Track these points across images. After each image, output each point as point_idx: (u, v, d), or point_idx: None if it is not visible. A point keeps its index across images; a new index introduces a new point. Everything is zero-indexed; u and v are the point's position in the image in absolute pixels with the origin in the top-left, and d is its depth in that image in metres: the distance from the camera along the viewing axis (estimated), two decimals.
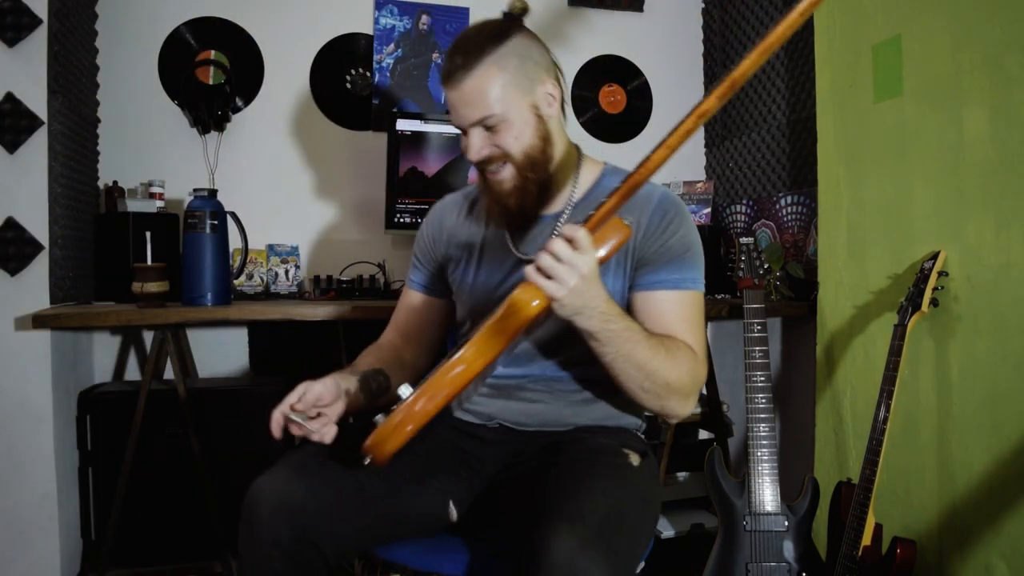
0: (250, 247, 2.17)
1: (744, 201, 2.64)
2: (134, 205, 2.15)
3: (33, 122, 1.86)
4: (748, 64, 1.07)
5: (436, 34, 2.60)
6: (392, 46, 2.57)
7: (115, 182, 2.27)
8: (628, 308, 1.27)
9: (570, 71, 2.76)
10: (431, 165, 2.34)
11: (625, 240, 1.10)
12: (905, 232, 1.81)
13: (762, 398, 1.87)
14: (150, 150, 2.36)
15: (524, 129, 1.25)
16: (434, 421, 1.10)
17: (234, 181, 2.39)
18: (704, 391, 2.40)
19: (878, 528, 1.68)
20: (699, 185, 2.63)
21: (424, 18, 2.58)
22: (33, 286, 1.88)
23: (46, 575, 1.91)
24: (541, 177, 1.29)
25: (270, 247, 2.39)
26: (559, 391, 1.34)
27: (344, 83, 2.55)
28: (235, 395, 2.06)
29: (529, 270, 1.02)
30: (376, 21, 2.55)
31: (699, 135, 2.93)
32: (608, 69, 2.83)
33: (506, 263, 1.37)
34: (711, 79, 2.88)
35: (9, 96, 1.85)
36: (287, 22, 2.49)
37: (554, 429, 1.33)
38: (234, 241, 2.06)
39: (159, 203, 2.20)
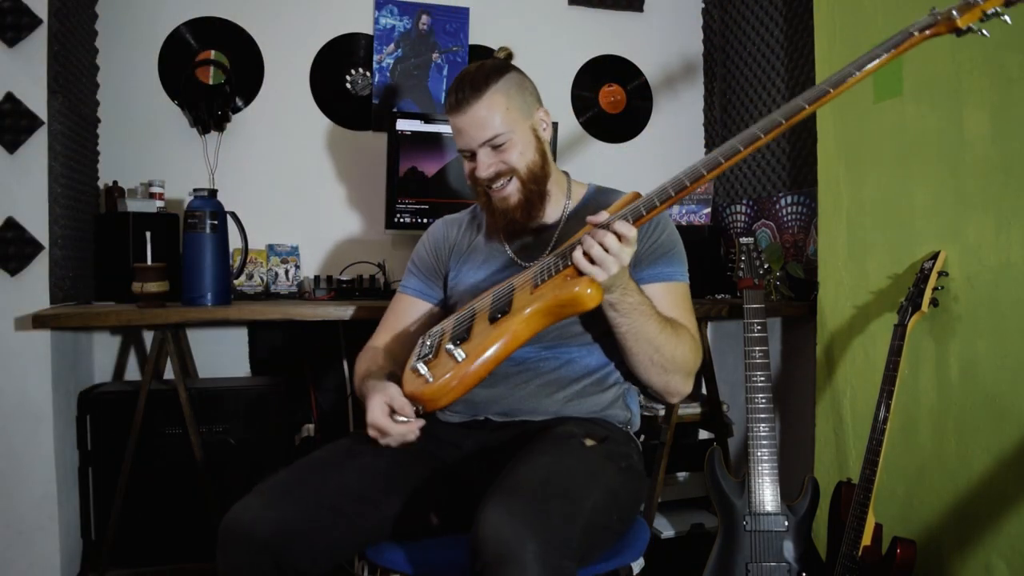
0: (250, 247, 2.17)
1: (744, 201, 2.64)
2: (134, 205, 2.15)
3: (33, 122, 1.86)
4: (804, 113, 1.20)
5: (436, 34, 2.60)
6: (392, 46, 2.57)
7: (115, 182, 2.27)
8: None
9: (570, 71, 2.76)
10: (431, 165, 2.34)
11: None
12: (905, 232, 1.81)
13: (762, 398, 1.87)
14: (150, 150, 2.36)
15: (527, 147, 1.41)
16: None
17: (234, 181, 2.39)
18: (704, 391, 2.40)
19: (878, 528, 1.69)
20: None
21: (424, 18, 2.58)
22: (33, 286, 1.88)
23: (46, 575, 1.91)
24: (541, 189, 1.45)
25: (270, 247, 2.39)
26: (550, 381, 1.39)
27: (344, 83, 2.55)
28: (235, 395, 2.06)
29: (577, 256, 1.16)
30: (376, 21, 2.55)
31: (699, 135, 2.93)
32: (608, 69, 2.83)
33: (506, 268, 1.48)
34: (711, 79, 2.88)
35: (9, 96, 1.85)
36: (287, 22, 2.49)
37: (534, 419, 1.38)
38: (234, 241, 2.06)
39: (159, 203, 2.20)
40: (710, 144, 2.90)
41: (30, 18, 1.85)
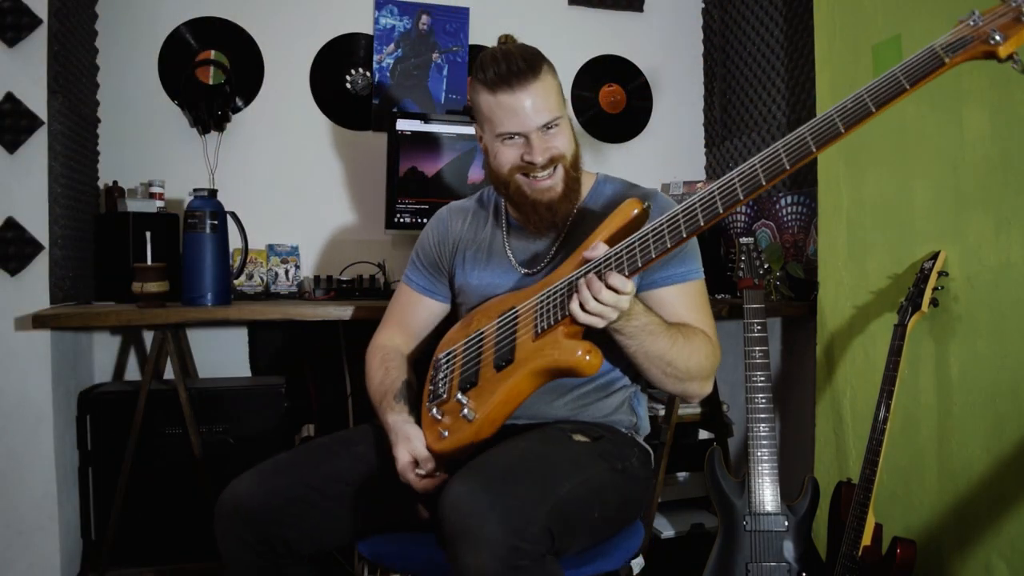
0: (250, 247, 2.17)
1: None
2: (134, 205, 2.15)
3: (33, 122, 1.86)
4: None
5: (436, 34, 2.60)
6: (392, 46, 2.57)
7: (115, 182, 2.27)
8: (643, 300, 1.32)
9: (570, 71, 2.77)
10: (431, 165, 2.34)
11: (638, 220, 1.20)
12: (905, 232, 1.81)
13: (762, 398, 1.87)
14: (150, 150, 2.36)
15: (570, 132, 1.37)
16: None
17: (234, 181, 2.39)
18: None
19: (878, 528, 1.68)
20: (699, 185, 2.63)
21: (424, 18, 2.58)
22: (33, 286, 1.88)
23: (46, 575, 1.91)
24: (579, 177, 1.39)
25: (270, 247, 2.39)
26: (552, 388, 1.36)
27: (344, 83, 2.55)
28: (235, 395, 2.06)
29: (574, 308, 1.14)
30: (376, 21, 2.56)
31: (699, 135, 2.93)
32: (608, 69, 2.83)
33: (511, 269, 1.45)
34: (711, 79, 2.88)
35: (9, 96, 1.85)
36: (287, 22, 2.49)
37: (535, 424, 1.38)
38: (234, 241, 2.06)
39: (159, 203, 2.20)
40: (710, 144, 2.90)
41: (30, 18, 1.85)
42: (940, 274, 1.67)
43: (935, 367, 1.73)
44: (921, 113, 1.76)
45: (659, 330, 1.24)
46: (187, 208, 1.96)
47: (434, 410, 1.29)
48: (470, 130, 2.34)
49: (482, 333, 1.34)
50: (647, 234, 1.13)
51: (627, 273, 1.13)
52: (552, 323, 1.20)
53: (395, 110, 2.42)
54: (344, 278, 2.32)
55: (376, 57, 2.55)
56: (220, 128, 2.35)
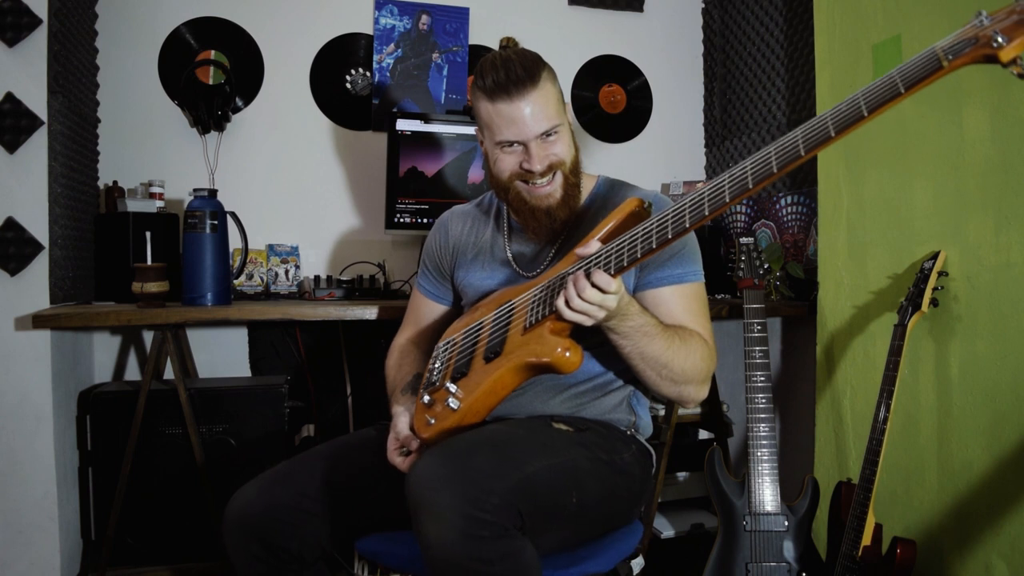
0: (250, 247, 2.17)
1: (744, 201, 2.64)
2: (134, 205, 2.15)
3: (33, 122, 1.86)
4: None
5: (436, 34, 2.60)
6: (392, 46, 2.57)
7: (115, 182, 2.27)
8: (639, 301, 1.31)
9: (570, 71, 2.77)
10: (431, 165, 2.34)
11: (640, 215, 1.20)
12: (905, 232, 1.81)
13: (762, 398, 1.87)
14: (150, 150, 2.36)
15: (569, 138, 1.38)
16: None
17: (234, 181, 2.39)
18: None
19: (878, 528, 1.68)
20: (699, 185, 2.64)
21: (424, 18, 2.58)
22: (33, 286, 1.88)
23: (46, 575, 1.91)
24: (578, 182, 1.40)
25: (270, 247, 2.39)
26: (549, 387, 1.38)
27: (344, 83, 2.55)
28: (235, 395, 2.06)
29: (560, 305, 1.14)
30: (376, 21, 2.55)
31: (699, 135, 2.93)
32: (608, 69, 2.83)
33: (511, 271, 1.47)
34: (711, 79, 2.88)
35: (9, 96, 1.85)
36: (287, 22, 2.49)
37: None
38: (234, 241, 2.06)
39: (159, 203, 2.20)
40: (710, 144, 2.90)
41: (30, 18, 1.85)
42: (940, 274, 1.67)
43: (935, 367, 1.73)
44: (921, 113, 1.76)
45: (655, 332, 1.24)
46: (187, 208, 1.96)
47: (426, 397, 1.31)
48: (470, 130, 2.34)
49: (481, 324, 1.36)
50: (636, 233, 1.12)
51: (612, 272, 1.12)
52: (540, 318, 1.21)
53: (395, 110, 2.42)
54: (344, 278, 2.32)
55: (376, 57, 2.55)
56: (220, 128, 2.35)
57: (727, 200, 1.02)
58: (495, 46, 2.84)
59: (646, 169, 2.82)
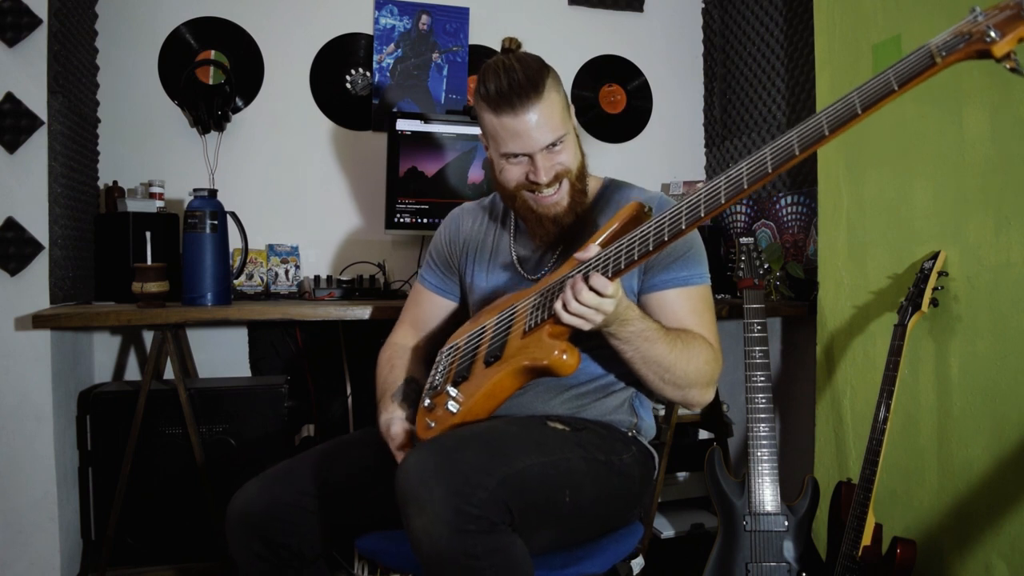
0: (250, 247, 2.17)
1: (744, 201, 2.64)
2: (134, 205, 2.15)
3: (33, 122, 1.86)
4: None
5: (436, 34, 2.60)
6: (392, 46, 2.57)
7: (115, 182, 2.27)
8: (642, 308, 1.31)
9: (570, 71, 2.76)
10: (431, 165, 2.34)
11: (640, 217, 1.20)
12: (905, 232, 1.81)
13: (762, 398, 1.87)
14: (150, 150, 2.36)
15: (575, 145, 1.36)
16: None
17: (234, 181, 2.39)
18: None
19: (878, 528, 1.68)
20: (699, 185, 2.64)
21: (424, 18, 2.58)
22: (33, 286, 1.88)
23: (46, 575, 1.91)
24: (585, 187, 1.39)
25: (270, 247, 2.39)
26: (549, 387, 1.38)
27: (344, 83, 2.55)
28: (235, 395, 2.06)
29: (558, 308, 1.13)
30: (376, 21, 2.55)
31: (699, 136, 2.93)
32: (608, 69, 2.83)
33: (516, 273, 1.48)
34: (711, 79, 2.88)
35: (9, 96, 1.85)
36: (287, 22, 2.49)
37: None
38: (234, 241, 2.06)
39: (159, 203, 2.20)
40: (710, 144, 2.90)
41: (30, 18, 1.85)
42: (940, 274, 1.67)
43: (935, 367, 1.73)
44: (921, 113, 1.76)
45: (656, 336, 1.23)
46: (187, 208, 1.96)
47: (427, 400, 1.32)
48: (470, 130, 2.34)
49: (484, 328, 1.36)
50: (634, 237, 1.12)
51: (610, 275, 1.11)
52: (539, 322, 1.21)
53: (395, 110, 2.42)
54: (344, 278, 2.31)
55: (376, 57, 2.55)
56: (220, 128, 2.35)
57: (723, 202, 1.02)
58: (495, 46, 2.85)
59: (646, 169, 2.82)
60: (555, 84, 1.33)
